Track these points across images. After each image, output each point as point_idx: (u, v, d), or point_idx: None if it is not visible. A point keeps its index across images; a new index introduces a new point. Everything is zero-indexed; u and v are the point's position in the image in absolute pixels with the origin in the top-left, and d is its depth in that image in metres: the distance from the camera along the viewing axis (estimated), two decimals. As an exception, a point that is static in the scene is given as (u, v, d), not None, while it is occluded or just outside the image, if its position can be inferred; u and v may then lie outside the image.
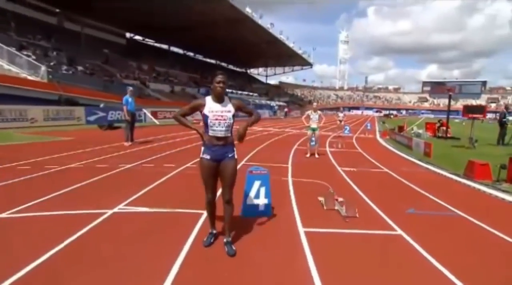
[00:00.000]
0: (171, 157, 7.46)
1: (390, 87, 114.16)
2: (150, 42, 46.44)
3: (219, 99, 2.62)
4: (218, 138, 2.64)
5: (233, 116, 2.67)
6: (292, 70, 77.46)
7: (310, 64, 70.60)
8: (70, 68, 24.00)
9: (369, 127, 23.34)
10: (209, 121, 2.59)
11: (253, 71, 75.70)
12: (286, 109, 42.77)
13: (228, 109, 2.64)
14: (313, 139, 8.22)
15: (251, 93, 53.36)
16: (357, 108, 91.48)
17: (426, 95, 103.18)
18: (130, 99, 9.20)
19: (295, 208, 4.09)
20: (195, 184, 4.64)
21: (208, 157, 2.64)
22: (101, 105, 19.53)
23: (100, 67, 29.31)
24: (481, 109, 10.51)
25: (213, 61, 59.91)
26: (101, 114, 17.62)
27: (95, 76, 25.34)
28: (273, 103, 48.19)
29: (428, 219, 3.88)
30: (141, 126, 16.41)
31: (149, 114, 21.95)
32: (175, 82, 37.38)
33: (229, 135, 2.70)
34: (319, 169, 6.89)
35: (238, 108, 2.72)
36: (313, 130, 8.18)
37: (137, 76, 32.66)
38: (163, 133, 13.70)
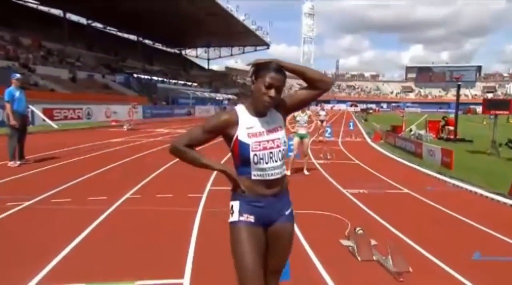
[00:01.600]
0: (97, 183, 6.95)
1: (367, 74, 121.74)
2: (32, 2, 42.55)
3: (263, 111, 2.03)
4: (269, 184, 2.03)
5: (285, 134, 2.11)
6: (243, 52, 78.32)
7: (266, 44, 72.22)
8: None
9: (351, 127, 24.15)
10: (251, 153, 1.97)
11: (190, 53, 75.02)
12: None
13: (277, 124, 2.06)
14: (291, 148, 8.15)
15: (188, 83, 52.87)
16: (327, 102, 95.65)
17: (411, 84, 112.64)
18: (17, 93, 8.45)
19: (317, 262, 3.73)
20: (156, 235, 4.21)
21: (251, 219, 2.03)
22: None
23: None
24: (506, 104, 11.20)
25: (133, 37, 57.99)
26: None
27: None
28: (219, 96, 47.84)
29: (504, 268, 3.68)
30: (28, 132, 15.09)
31: (40, 114, 20.57)
32: (77, 66, 35.58)
33: (285, 172, 2.11)
34: (317, 192, 6.75)
35: (289, 108, 2.15)
36: (302, 137, 8.18)
37: (12, 53, 30.15)
38: (69, 142, 12.81)
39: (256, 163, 1.98)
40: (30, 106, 19.01)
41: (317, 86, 2.06)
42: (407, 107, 73.46)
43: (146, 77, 44.66)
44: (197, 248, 3.88)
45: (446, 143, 14.41)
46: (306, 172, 8.25)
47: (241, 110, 2.03)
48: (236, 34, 59.53)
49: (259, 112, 2.01)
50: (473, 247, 4.18)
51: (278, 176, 2.03)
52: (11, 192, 5.94)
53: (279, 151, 2.02)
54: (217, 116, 2.04)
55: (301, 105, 2.18)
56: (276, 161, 2.01)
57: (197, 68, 72.98)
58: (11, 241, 4.00)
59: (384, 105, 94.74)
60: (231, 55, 78.23)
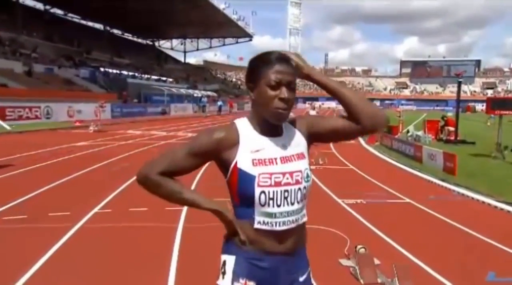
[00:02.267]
0: (58, 196, 6.69)
1: (358, 69, 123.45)
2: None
3: (276, 127, 1.60)
4: (280, 237, 1.58)
5: (309, 164, 1.65)
6: (223, 44, 78.33)
7: (249, 36, 72.34)
8: None
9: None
10: (256, 190, 1.51)
11: (164, 45, 74.45)
12: (219, 102, 42.89)
13: (299, 149, 1.62)
14: None
15: (163, 78, 52.42)
16: (315, 99, 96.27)
17: (406, 80, 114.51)
18: None
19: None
20: (130, 258, 4.09)
21: None
22: None
23: None
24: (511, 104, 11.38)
25: (98, 26, 57.04)
26: None
27: None
28: (197, 93, 47.97)
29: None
30: None
31: None
32: (33, 58, 34.70)
33: (305, 219, 1.69)
34: (309, 202, 6.58)
35: (313, 132, 1.69)
36: None
37: None
38: (24, 147, 12.35)
39: (263, 205, 1.53)
40: None
41: (364, 123, 1.59)
42: (402, 104, 74.64)
43: (114, 71, 44.06)
44: (178, 273, 3.74)
45: (446, 145, 14.61)
46: None
47: (243, 125, 1.60)
48: (216, 25, 59.36)
49: (270, 127, 1.57)
50: (487, 266, 4.17)
51: (293, 225, 1.58)
52: None
53: (299, 189, 1.58)
54: (208, 133, 1.57)
55: (331, 137, 1.74)
56: (293, 204, 1.57)
57: (173, 62, 72.46)
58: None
59: (377, 103, 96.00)
60: (210, 47, 78.09)
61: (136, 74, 47.28)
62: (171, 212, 5.55)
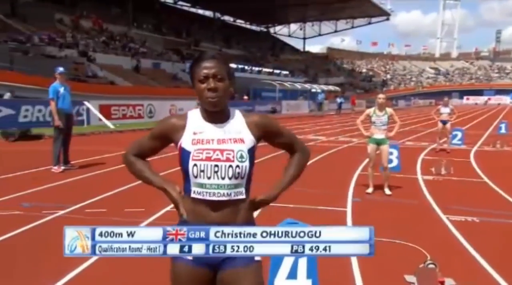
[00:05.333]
0: (135, 194, 7.66)
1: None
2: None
3: (218, 115, 2.20)
4: (213, 207, 2.13)
5: (251, 151, 2.20)
6: (352, 27, 76.58)
7: (385, 14, 70.39)
8: None
9: (504, 131, 22.64)
10: (190, 163, 2.11)
11: (280, 31, 75.88)
12: (339, 99, 42.24)
13: (238, 136, 2.18)
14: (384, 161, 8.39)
15: (277, 71, 53.62)
16: (478, 92, 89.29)
17: None
18: (62, 89, 9.70)
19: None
20: None
21: (189, 257, 2.07)
22: (6, 95, 20.34)
23: (2, 23, 29.78)
24: None
25: (208, 13, 60.89)
26: (5, 111, 17.82)
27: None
28: (316, 88, 47.82)
29: None
30: (80, 134, 16.98)
31: (95, 111, 22.54)
32: (141, 52, 38.53)
33: (242, 197, 2.19)
34: (403, 215, 6.92)
35: (263, 133, 2.28)
36: (378, 143, 8.37)
37: (71, 39, 33.72)
38: (119, 146, 13.49)
39: (195, 177, 2.10)
40: (86, 103, 22.27)
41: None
42: None
43: None
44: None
45: None
46: (387, 191, 8.30)
47: (193, 114, 2.24)
48: (342, 3, 59.00)
49: (213, 115, 2.17)
50: None
51: (224, 198, 2.10)
52: (49, 199, 7.23)
53: (230, 166, 2.09)
54: (164, 120, 2.28)
55: (268, 142, 2.40)
56: (223, 178, 2.09)
57: (290, 51, 73.44)
58: (39, 250, 4.97)
59: None
60: (335, 31, 77.49)
61: (246, 66, 49.12)
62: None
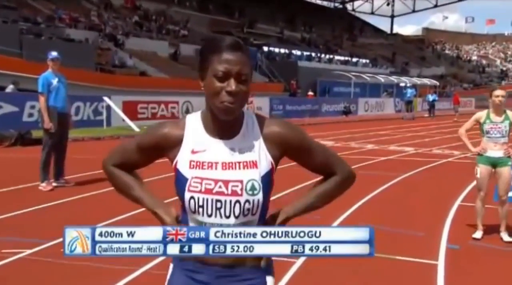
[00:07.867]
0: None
1: None
2: None
3: (227, 126, 1.90)
4: None
5: (267, 177, 1.92)
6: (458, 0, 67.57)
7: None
8: None
9: None
10: (186, 195, 1.90)
11: (360, 7, 69.83)
12: (431, 96, 35.26)
13: (250, 158, 1.90)
14: (497, 190, 6.92)
15: (354, 59, 49.52)
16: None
17: None
18: (55, 81, 9.14)
19: None
20: None
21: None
22: (9, 88, 18.95)
23: (16, 1, 28.75)
24: None
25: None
26: (6, 108, 17.01)
27: None
28: (406, 82, 42.03)
29: None
30: (94, 138, 16.81)
31: (117, 110, 20.41)
32: (182, 36, 36.92)
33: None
34: None
35: (285, 150, 1.98)
36: (494, 164, 6.67)
37: (96, 19, 31.79)
38: None
39: (193, 212, 1.96)
40: (106, 99, 20.31)
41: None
42: None
43: (282, 51, 43.36)
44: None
45: None
46: (505, 237, 6.56)
47: (193, 121, 2.00)
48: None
49: (221, 125, 1.92)
50: None
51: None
52: (19, 231, 6.49)
53: (237, 202, 1.90)
54: (155, 128, 2.07)
55: (292, 159, 2.14)
56: (227, 217, 1.94)
57: (372, 33, 68.87)
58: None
59: None
60: (435, 6, 69.66)
61: (313, 53, 45.81)
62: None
